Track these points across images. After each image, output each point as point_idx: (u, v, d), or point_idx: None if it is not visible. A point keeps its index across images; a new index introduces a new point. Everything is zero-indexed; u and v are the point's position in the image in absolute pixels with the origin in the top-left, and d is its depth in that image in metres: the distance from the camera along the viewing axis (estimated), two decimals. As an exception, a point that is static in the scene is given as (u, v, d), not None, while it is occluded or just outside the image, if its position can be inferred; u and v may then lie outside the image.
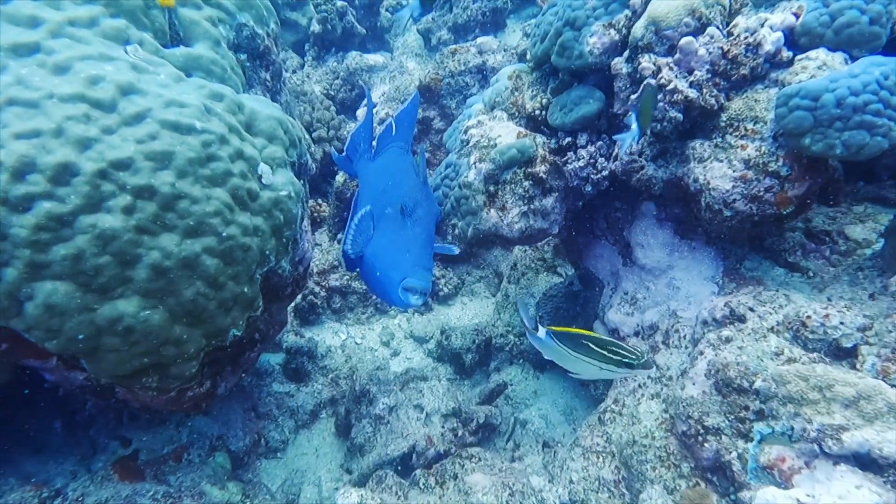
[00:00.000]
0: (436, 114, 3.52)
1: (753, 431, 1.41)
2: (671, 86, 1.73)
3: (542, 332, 1.50)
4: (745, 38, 1.63)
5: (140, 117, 1.35)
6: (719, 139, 1.70)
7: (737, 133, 1.66)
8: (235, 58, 1.74)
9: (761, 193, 1.60)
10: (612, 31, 1.94)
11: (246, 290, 1.58)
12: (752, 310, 1.61)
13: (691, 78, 1.72)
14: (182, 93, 1.46)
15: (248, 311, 1.62)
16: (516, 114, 2.34)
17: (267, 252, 1.64)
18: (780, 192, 1.58)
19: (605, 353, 1.38)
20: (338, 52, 4.28)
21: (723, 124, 1.70)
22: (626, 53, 1.94)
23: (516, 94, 2.36)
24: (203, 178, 1.45)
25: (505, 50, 3.49)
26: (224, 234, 1.48)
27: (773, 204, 1.60)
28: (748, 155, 1.62)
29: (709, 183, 1.71)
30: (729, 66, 1.67)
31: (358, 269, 1.89)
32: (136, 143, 1.32)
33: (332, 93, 3.97)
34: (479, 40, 3.52)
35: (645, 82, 1.77)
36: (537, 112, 2.23)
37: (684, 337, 1.85)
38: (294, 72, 4.15)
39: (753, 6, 1.75)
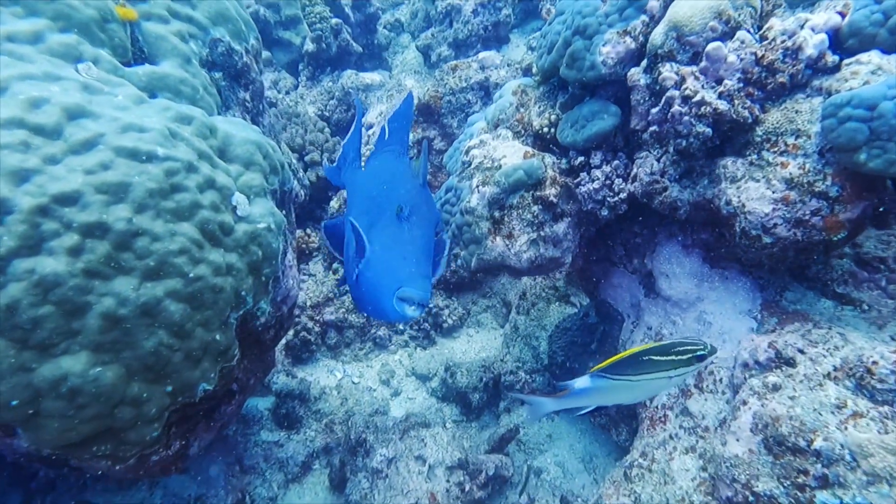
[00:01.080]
0: (436, 134, 3.38)
1: (816, 501, 1.21)
2: (697, 97, 1.57)
3: (583, 381, 1.31)
4: (782, 41, 1.48)
5: (91, 144, 1.20)
6: (755, 156, 1.54)
7: (775, 149, 1.49)
8: (209, 77, 1.60)
9: (807, 217, 1.43)
10: (628, 39, 1.79)
11: (218, 337, 1.41)
12: (802, 352, 1.42)
13: (720, 88, 1.56)
14: (143, 116, 1.32)
15: (222, 361, 1.45)
16: (522, 132, 2.18)
17: (243, 293, 1.47)
18: (829, 216, 1.41)
19: (672, 357, 1.25)
20: (333, 70, 4.19)
21: (758, 139, 1.53)
22: (643, 63, 1.79)
23: (522, 110, 2.21)
24: (166, 212, 1.29)
25: (509, 65, 3.37)
26: (191, 275, 1.32)
27: (821, 229, 1.42)
28: (790, 173, 1.45)
29: (744, 206, 1.53)
30: (764, 74, 1.51)
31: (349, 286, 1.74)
32: (84, 174, 1.17)
33: (328, 113, 3.85)
34: (480, 55, 3.40)
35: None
36: (545, 129, 2.08)
37: (720, 380, 1.66)
38: (288, 93, 4.05)
39: (788, 7, 1.60)
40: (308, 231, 3.10)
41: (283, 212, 1.76)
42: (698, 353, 1.25)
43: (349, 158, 2.13)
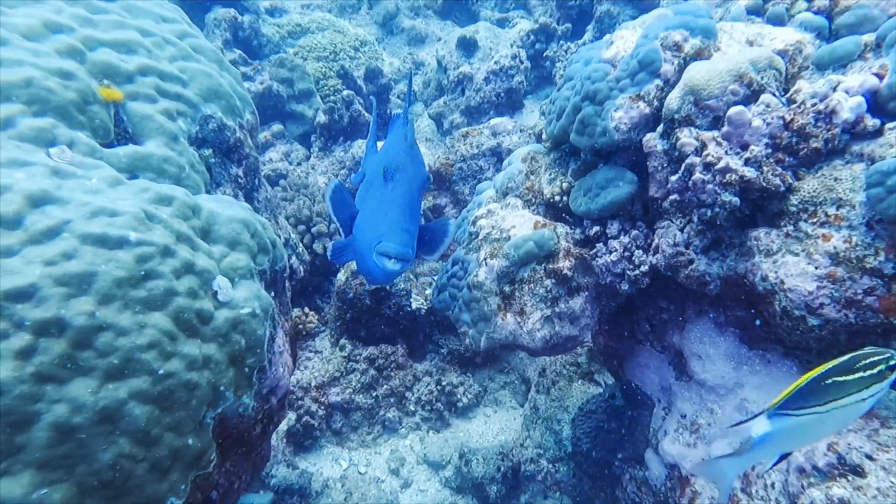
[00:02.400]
0: (447, 201, 3.32)
1: None
2: (721, 164, 1.45)
3: (761, 426, 1.08)
4: (813, 105, 1.36)
5: (53, 232, 1.12)
6: (791, 227, 1.39)
7: (814, 220, 1.34)
8: (198, 154, 1.55)
9: (859, 297, 1.26)
10: (642, 104, 1.71)
11: (191, 441, 1.27)
12: (870, 458, 1.21)
13: (746, 154, 1.44)
14: (117, 198, 1.24)
15: (194, 469, 1.29)
16: (532, 200, 2.08)
17: (222, 388, 1.34)
18: (885, 296, 1.24)
19: (860, 375, 1.03)
20: (345, 141, 4.22)
21: (794, 209, 1.39)
22: (659, 128, 1.69)
23: (532, 177, 2.12)
24: (136, 302, 1.19)
25: (521, 130, 3.33)
26: (161, 372, 1.20)
27: (877, 311, 1.25)
28: (834, 247, 1.29)
29: (783, 282, 1.37)
30: (795, 140, 1.39)
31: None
32: (43, 266, 1.08)
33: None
34: (492, 122, 3.38)
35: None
36: (557, 198, 1.97)
37: (772, 486, 1.43)
38: (299, 163, 4.07)
39: (816, 69, 1.50)
40: (306, 310, 2.98)
41: (273, 293, 1.66)
42: (891, 362, 1.03)
43: (368, 150, 2.30)
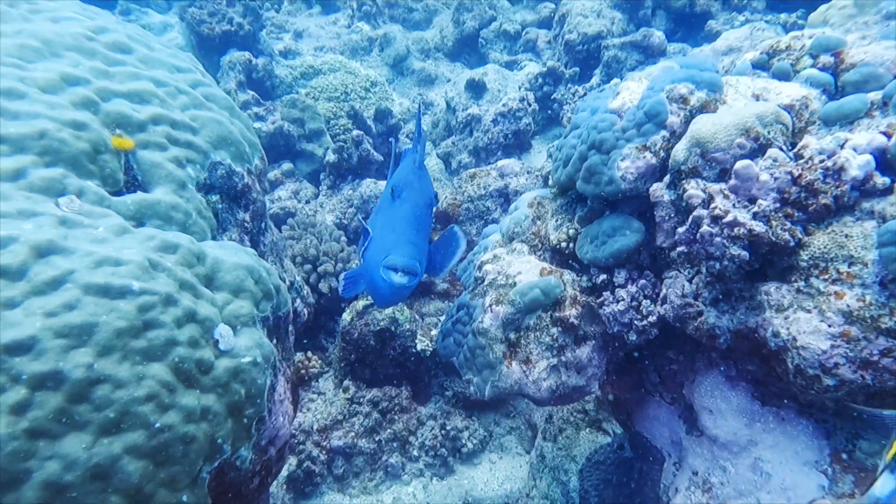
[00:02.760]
0: (454, 241, 3.31)
1: None
2: (729, 217, 1.44)
3: (886, 483, 0.99)
4: (821, 161, 1.36)
5: (57, 283, 1.12)
6: (802, 283, 1.36)
7: (826, 276, 1.32)
8: (206, 200, 1.56)
9: (875, 358, 1.22)
10: (648, 154, 1.71)
11: (185, 498, 1.24)
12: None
13: (754, 208, 1.43)
14: (123, 247, 1.25)
15: (188, 525, 1.26)
16: (539, 246, 2.07)
17: (219, 440, 1.31)
18: (903, 357, 1.20)
19: None
20: (354, 179, 4.27)
21: (804, 264, 1.37)
22: (666, 178, 1.69)
23: (538, 223, 2.12)
24: (136, 353, 1.18)
25: (528, 172, 3.35)
26: (157, 425, 1.18)
27: (895, 373, 1.21)
28: (847, 306, 1.26)
29: (795, 339, 1.34)
30: (804, 195, 1.38)
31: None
32: (44, 317, 1.08)
33: (346, 221, 3.87)
34: (500, 163, 3.41)
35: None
36: (563, 244, 1.96)
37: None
38: (308, 201, 4.11)
39: (823, 125, 1.50)
40: (309, 354, 2.96)
41: (275, 339, 1.64)
42: None
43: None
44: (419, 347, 2.94)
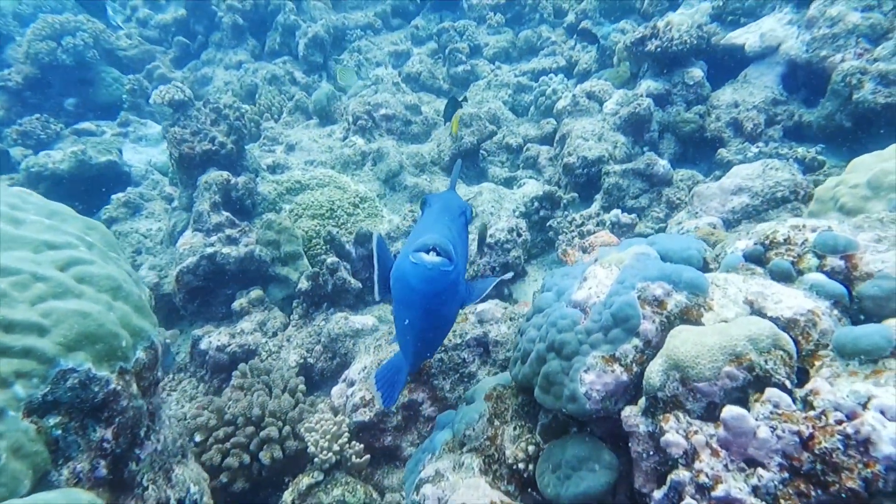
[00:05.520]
0: (425, 397, 2.94)
1: None
2: (720, 491, 1.08)
3: None
4: (838, 421, 1.02)
5: None
6: None
7: None
8: (40, 425, 1.26)
9: None
10: (618, 368, 1.39)
11: None
12: None
13: (754, 479, 1.07)
14: None
15: None
16: (494, 457, 1.70)
17: None
18: None
19: None
20: (329, 307, 4.00)
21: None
22: (641, 401, 1.35)
23: (496, 423, 1.77)
24: None
25: (511, 319, 3.03)
26: None
27: None
28: None
29: None
30: (820, 468, 1.03)
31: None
32: None
33: (312, 360, 3.55)
34: (479, 306, 3.10)
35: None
36: (522, 465, 1.60)
37: None
38: (275, 333, 3.83)
39: (837, 355, 1.17)
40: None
41: None
42: None
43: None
44: (373, 540, 2.49)
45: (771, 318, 1.33)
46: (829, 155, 4.14)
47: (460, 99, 5.21)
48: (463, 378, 2.95)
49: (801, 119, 4.42)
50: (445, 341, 3.03)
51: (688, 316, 1.38)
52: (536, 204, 4.26)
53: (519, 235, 3.75)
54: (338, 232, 3.98)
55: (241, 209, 4.57)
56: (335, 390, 3.20)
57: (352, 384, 3.17)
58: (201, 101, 4.80)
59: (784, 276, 1.44)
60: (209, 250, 3.92)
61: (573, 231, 3.83)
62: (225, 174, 4.28)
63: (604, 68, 6.23)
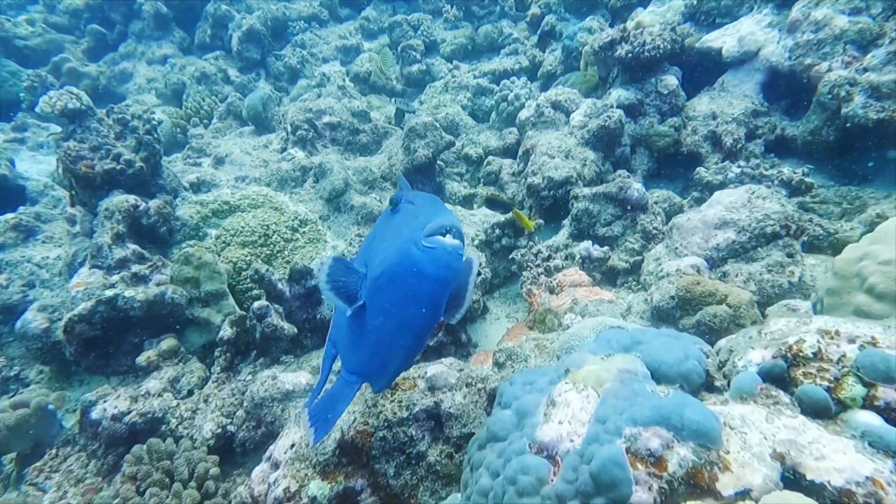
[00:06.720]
0: (365, 484, 2.54)
1: None
2: None
3: None
4: None
5: None
6: None
7: None
8: None
9: None
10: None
11: None
12: None
13: None
14: None
15: None
16: None
17: None
18: None
19: None
20: (259, 356, 3.56)
21: None
22: None
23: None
24: None
25: (468, 385, 2.66)
26: None
27: None
28: None
29: None
30: None
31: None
32: None
33: (232, 428, 3.10)
34: (429, 370, 2.72)
35: None
36: None
37: None
38: (190, 392, 3.36)
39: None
40: None
41: None
42: None
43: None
44: None
45: (813, 484, 1.00)
46: (816, 174, 3.92)
47: (406, 109, 4.83)
48: (411, 460, 2.56)
49: (784, 132, 4.20)
50: (389, 416, 2.64)
51: (697, 481, 1.03)
52: (498, 231, 3.90)
53: (478, 275, 3.39)
54: (268, 270, 3.53)
55: (154, 238, 4.06)
56: (256, 472, 2.75)
57: (276, 466, 2.74)
58: (105, 108, 4.25)
59: (819, 412, 1.10)
60: (108, 293, 3.41)
61: (539, 266, 3.48)
62: (132, 199, 3.77)
63: (570, 70, 5.92)
